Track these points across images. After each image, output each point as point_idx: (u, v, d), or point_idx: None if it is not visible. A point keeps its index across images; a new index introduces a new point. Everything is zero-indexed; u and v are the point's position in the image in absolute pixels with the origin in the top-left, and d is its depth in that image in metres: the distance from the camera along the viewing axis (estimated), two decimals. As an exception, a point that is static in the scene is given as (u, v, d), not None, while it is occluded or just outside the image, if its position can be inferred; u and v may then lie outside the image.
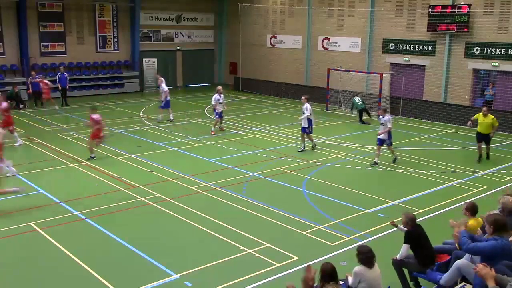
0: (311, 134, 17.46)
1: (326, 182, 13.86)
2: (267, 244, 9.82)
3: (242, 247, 9.70)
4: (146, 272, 8.81)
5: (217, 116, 19.77)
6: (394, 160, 15.79)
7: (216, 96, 19.54)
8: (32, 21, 29.07)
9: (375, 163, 15.47)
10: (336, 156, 16.71)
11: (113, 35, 32.31)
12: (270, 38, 32.27)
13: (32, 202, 12.10)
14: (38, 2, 29.25)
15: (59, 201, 12.14)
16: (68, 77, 26.98)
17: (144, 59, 32.93)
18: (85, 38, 31.24)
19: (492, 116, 15.97)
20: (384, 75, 24.34)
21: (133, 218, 11.35)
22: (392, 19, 25.42)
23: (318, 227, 10.73)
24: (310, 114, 17.03)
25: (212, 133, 19.45)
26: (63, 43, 30.51)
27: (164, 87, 22.37)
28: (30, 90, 26.10)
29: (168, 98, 22.39)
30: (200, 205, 12.00)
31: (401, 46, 25.15)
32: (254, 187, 13.51)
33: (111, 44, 32.31)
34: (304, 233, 10.47)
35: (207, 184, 13.54)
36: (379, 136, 15.49)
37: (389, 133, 15.38)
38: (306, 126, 16.98)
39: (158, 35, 34.13)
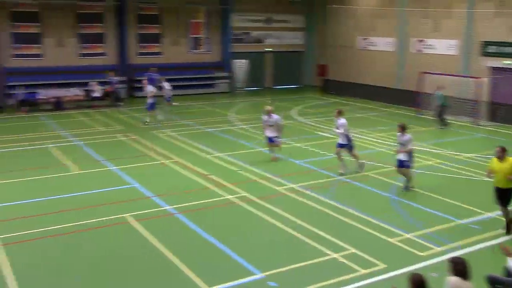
0: (353, 150, 15.03)
1: (415, 189, 13.39)
2: (352, 250, 9.65)
3: (326, 251, 9.61)
4: (232, 269, 8.98)
5: (268, 141, 16.24)
6: (406, 188, 13.32)
7: (264, 117, 16.16)
8: (131, 23, 30.63)
9: (406, 187, 13.34)
10: (428, 162, 16.08)
11: (205, 37, 33.25)
12: (360, 40, 31.72)
13: (126, 195, 12.75)
14: (138, 6, 30.78)
15: (151, 195, 12.69)
16: (158, 78, 27.95)
17: (235, 60, 33.57)
18: (179, 40, 32.42)
19: None
20: (482, 79, 23.08)
21: (220, 216, 11.61)
22: (492, 20, 24.05)
23: (406, 235, 10.39)
24: (344, 131, 14.55)
25: (273, 159, 16.17)
26: (159, 45, 31.88)
27: (150, 88, 22.27)
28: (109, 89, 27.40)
29: (153, 101, 22.14)
30: (285, 206, 12.04)
31: (503, 49, 23.71)
32: (341, 191, 13.35)
33: (203, 45, 33.28)
34: (392, 240, 10.18)
35: (293, 186, 13.56)
36: (399, 158, 13.16)
37: (409, 154, 13.15)
38: (345, 142, 14.62)
39: (248, 36, 34.70)
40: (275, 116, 15.78)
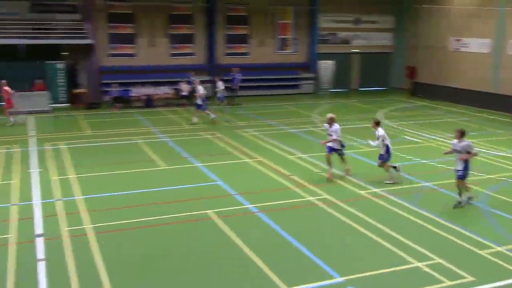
0: (387, 162, 13.93)
1: (510, 199, 12.61)
2: (438, 259, 9.26)
3: (409, 259, 9.30)
4: (311, 270, 8.93)
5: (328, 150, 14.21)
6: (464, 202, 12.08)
7: (325, 125, 14.60)
8: (220, 24, 31.35)
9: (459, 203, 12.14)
10: (523, 172, 15.11)
11: (292, 38, 33.32)
12: (453, 41, 30.35)
13: (210, 192, 13.07)
14: (226, 6, 31.44)
15: (234, 193, 12.91)
16: (241, 78, 28.36)
17: (320, 61, 33.36)
18: (265, 40, 32.73)
19: None
20: None
21: (301, 217, 11.59)
22: None
23: (498, 248, 9.81)
24: (383, 141, 13.61)
25: (329, 177, 14.16)
26: (246, 45, 32.38)
27: (201, 89, 22.34)
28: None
29: (201, 102, 22.24)
30: (367, 210, 11.79)
31: None
32: (427, 197, 12.85)
33: (289, 46, 33.37)
34: (481, 252, 9.65)
35: (376, 190, 13.25)
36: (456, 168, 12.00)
37: (466, 163, 11.83)
38: (383, 153, 13.72)
39: (335, 37, 34.35)
40: (336, 126, 14.15)
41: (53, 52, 27.81)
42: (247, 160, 16.32)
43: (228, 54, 31.98)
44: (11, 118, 21.84)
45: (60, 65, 27.21)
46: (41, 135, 19.67)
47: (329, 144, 13.95)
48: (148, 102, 27.06)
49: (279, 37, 33.07)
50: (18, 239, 9.96)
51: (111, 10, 29.27)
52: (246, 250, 9.63)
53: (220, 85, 25.22)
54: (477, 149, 12.66)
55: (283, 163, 15.81)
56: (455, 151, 12.03)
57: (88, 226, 10.67)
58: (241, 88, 30.37)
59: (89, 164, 15.54)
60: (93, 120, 23.38)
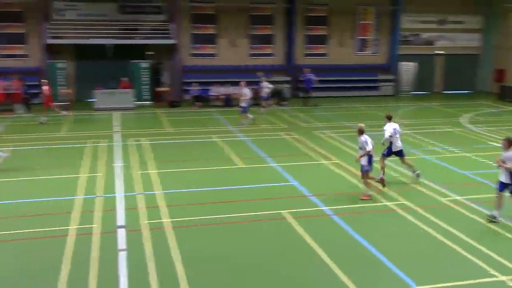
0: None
1: None
2: (525, 274, 8.72)
3: (492, 272, 8.82)
4: (387, 278, 8.70)
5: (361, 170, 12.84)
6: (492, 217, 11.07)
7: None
8: (299, 25, 31.33)
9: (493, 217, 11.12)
10: None
11: (373, 38, 32.67)
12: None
13: (285, 192, 13.08)
14: (306, 8, 31.37)
15: (309, 194, 12.85)
16: (313, 78, 28.08)
17: (401, 63, 32.47)
18: (345, 41, 32.32)
19: None
20: None
21: (378, 222, 11.32)
22: None
23: None
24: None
25: (364, 197, 12.60)
26: (325, 46, 32.15)
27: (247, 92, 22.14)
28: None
29: (247, 104, 21.99)
30: (448, 218, 11.29)
31: None
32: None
33: (369, 47, 32.74)
34: None
35: (458, 198, 12.68)
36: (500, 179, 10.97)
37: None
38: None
39: (417, 38, 33.28)
40: (363, 137, 12.52)
41: (139, 51, 29.01)
42: (323, 161, 16.19)
43: (307, 55, 31.90)
44: (43, 118, 22.18)
45: (144, 64, 28.31)
46: (125, 131, 20.58)
47: (361, 161, 12.42)
48: (227, 101, 27.53)
49: (359, 37, 32.53)
50: (101, 229, 10.47)
51: (194, 11, 30.07)
52: (320, 252, 9.54)
53: (266, 85, 25.18)
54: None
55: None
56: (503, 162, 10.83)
57: (166, 220, 11.02)
58: (320, 89, 30.21)
59: (169, 160, 16.06)
60: (174, 117, 24.14)
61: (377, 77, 32.51)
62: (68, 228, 10.46)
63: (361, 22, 32.36)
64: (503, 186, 10.92)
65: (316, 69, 31.44)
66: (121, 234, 10.22)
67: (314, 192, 13.01)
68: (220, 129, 21.37)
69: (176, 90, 29.56)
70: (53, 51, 28.28)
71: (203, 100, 27.78)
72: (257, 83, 28.43)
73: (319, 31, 31.97)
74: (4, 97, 25.33)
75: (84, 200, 12.25)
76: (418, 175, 13.94)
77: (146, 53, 29.27)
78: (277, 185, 13.71)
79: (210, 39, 30.57)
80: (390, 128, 13.76)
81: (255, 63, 31.12)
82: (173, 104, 27.41)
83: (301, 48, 31.72)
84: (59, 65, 27.50)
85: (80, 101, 27.69)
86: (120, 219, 11.07)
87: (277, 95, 28.24)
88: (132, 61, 28.18)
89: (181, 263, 9.04)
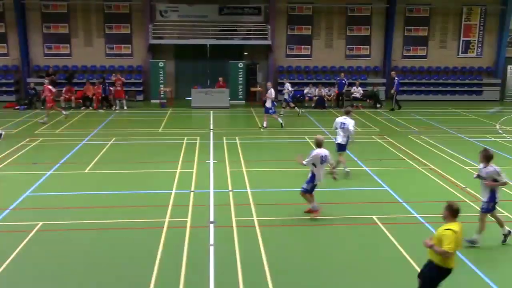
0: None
1: None
2: None
3: None
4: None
5: None
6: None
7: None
8: (398, 26, 30.42)
9: None
10: None
11: (478, 40, 30.97)
12: None
13: (377, 197, 12.73)
14: (407, 8, 30.41)
15: (401, 201, 12.41)
16: (399, 81, 26.99)
17: (509, 66, 30.49)
18: (447, 42, 30.96)
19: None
20: None
21: (473, 233, 10.68)
22: None
23: None
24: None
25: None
26: (425, 47, 30.99)
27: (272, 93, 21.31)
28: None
29: (271, 105, 21.25)
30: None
31: None
32: None
33: (474, 49, 31.09)
34: None
35: None
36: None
37: (491, 194, 9.77)
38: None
39: (528, 40, 31.13)
40: (315, 152, 11.05)
41: (235, 52, 29.66)
42: (418, 167, 15.57)
43: (405, 57, 30.94)
44: (45, 118, 22.19)
45: (241, 64, 28.87)
46: (219, 129, 21.09)
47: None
48: (320, 103, 27.34)
49: (463, 39, 30.96)
50: (193, 224, 10.80)
51: (291, 12, 30.20)
52: (411, 261, 9.18)
53: (288, 86, 24.64)
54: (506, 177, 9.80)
55: (457, 174, 14.75)
56: (479, 177, 9.93)
57: (254, 218, 11.13)
58: (417, 92, 29.24)
59: (260, 159, 16.23)
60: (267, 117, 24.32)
61: (481, 81, 30.79)
62: (163, 221, 10.89)
63: (465, 22, 30.77)
64: (489, 206, 9.85)
65: (415, 72, 30.61)
66: (211, 229, 10.47)
67: (407, 198, 12.55)
68: (313, 130, 21.25)
69: (270, 90, 29.86)
70: (155, 50, 29.71)
71: (296, 101, 27.81)
72: (352, 84, 28.05)
73: (419, 32, 30.84)
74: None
75: (178, 194, 12.70)
76: (348, 173, 14.23)
77: (243, 53, 29.86)
78: (368, 189, 13.39)
79: (305, 40, 30.56)
80: (339, 121, 14.31)
81: (351, 65, 30.70)
82: (266, 104, 27.67)
83: (400, 49, 30.79)
84: (160, 64, 28.80)
85: (178, 99, 28.86)
86: (211, 214, 11.34)
87: (372, 98, 27.67)
88: (230, 61, 28.83)
89: (267, 261, 9.09)
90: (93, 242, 9.92)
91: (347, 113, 14.45)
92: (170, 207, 11.74)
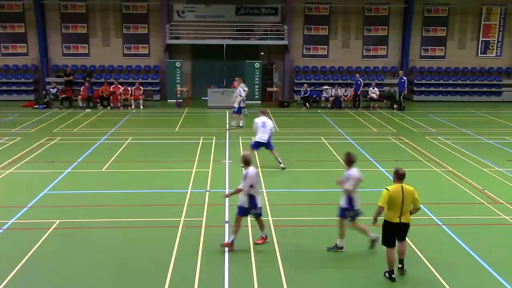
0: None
1: None
2: None
3: None
4: (498, 296, 8.09)
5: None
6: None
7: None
8: (416, 26, 30.17)
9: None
10: None
11: (497, 40, 30.58)
12: None
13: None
14: (425, 8, 30.14)
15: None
16: (406, 81, 26.68)
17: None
18: (466, 43, 30.62)
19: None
20: None
21: (492, 235, 10.53)
22: None
23: None
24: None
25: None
26: (443, 48, 30.70)
27: (239, 91, 21.19)
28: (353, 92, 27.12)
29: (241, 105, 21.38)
30: None
31: None
32: None
33: (493, 49, 30.70)
34: None
35: None
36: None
37: (349, 199, 9.48)
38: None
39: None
40: (249, 170, 9.53)
41: (252, 52, 29.68)
42: (435, 168, 15.42)
43: (423, 57, 30.67)
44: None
45: (257, 64, 28.88)
46: (235, 129, 21.11)
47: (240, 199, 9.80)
48: (336, 103, 27.24)
49: (482, 39, 30.58)
50: (208, 223, 10.82)
51: (308, 12, 30.14)
52: (427, 263, 9.09)
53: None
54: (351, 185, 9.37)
55: (476, 176, 14.57)
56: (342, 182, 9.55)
57: (270, 218, 11.12)
58: (435, 93, 28.96)
59: (273, 159, 16.17)
60: (283, 118, 24.33)
61: (500, 81, 30.40)
62: (178, 220, 10.94)
63: (485, 22, 30.40)
64: (343, 212, 9.53)
65: (432, 72, 30.35)
66: (226, 229, 10.49)
67: (424, 200, 12.32)
68: (329, 130, 21.19)
69: (286, 90, 29.87)
70: (171, 50, 29.86)
71: (312, 101, 27.75)
72: (368, 85, 27.88)
73: (438, 32, 30.55)
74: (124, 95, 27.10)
75: (194, 194, 12.74)
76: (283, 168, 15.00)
77: (259, 53, 29.87)
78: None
79: (322, 40, 30.46)
80: (259, 121, 15.13)
81: (368, 65, 30.54)
82: (282, 104, 27.67)
83: (418, 49, 30.55)
84: (177, 64, 28.94)
85: (194, 99, 28.98)
86: (226, 214, 11.36)
87: (389, 98, 27.48)
88: (246, 61, 28.86)
89: (281, 261, 9.08)
90: (108, 240, 10.01)
91: (263, 113, 15.46)
92: (185, 207, 11.79)
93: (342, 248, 9.59)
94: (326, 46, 30.52)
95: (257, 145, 15.28)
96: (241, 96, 21.46)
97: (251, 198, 9.54)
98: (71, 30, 29.88)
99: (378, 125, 22.44)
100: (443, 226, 10.89)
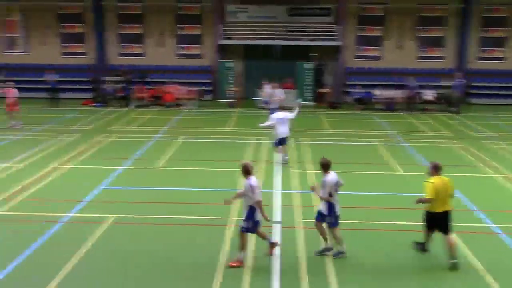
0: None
1: None
2: None
3: None
4: None
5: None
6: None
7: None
8: (474, 26, 29.26)
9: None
10: None
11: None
12: None
13: (448, 204, 12.26)
14: (484, 8, 29.22)
15: (474, 209, 11.91)
16: (464, 84, 25.81)
17: None
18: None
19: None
20: None
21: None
22: None
23: None
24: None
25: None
26: (503, 49, 29.72)
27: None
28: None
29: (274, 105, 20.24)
30: None
31: None
32: None
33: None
34: None
35: None
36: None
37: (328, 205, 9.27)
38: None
39: None
40: (250, 181, 8.81)
41: (303, 52, 29.58)
42: (493, 175, 14.88)
43: (481, 59, 29.69)
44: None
45: (308, 65, 28.75)
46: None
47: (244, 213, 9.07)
48: (389, 105, 26.76)
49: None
50: (259, 223, 10.85)
51: (362, 13, 29.77)
52: (482, 272, 8.78)
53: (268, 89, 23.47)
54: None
55: (537, 183, 13.99)
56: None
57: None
58: (494, 96, 28.04)
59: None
60: (334, 119, 24.14)
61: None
62: (229, 219, 11.03)
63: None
64: (321, 216, 9.25)
65: (491, 74, 29.37)
66: (277, 229, 10.49)
67: (481, 207, 12.02)
68: (381, 133, 20.85)
69: (338, 91, 29.60)
70: (224, 51, 30.17)
71: (365, 102, 27.37)
72: (423, 87, 27.25)
73: (497, 33, 29.50)
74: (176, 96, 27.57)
75: (244, 193, 12.81)
76: (286, 161, 15.45)
77: (310, 54, 29.74)
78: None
79: (375, 41, 30.02)
80: (275, 117, 15.46)
81: (423, 66, 29.84)
82: (333, 106, 27.44)
83: (475, 51, 29.62)
84: (229, 64, 29.20)
85: (246, 99, 29.16)
86: (277, 214, 11.36)
87: (445, 101, 26.76)
88: (298, 62, 28.79)
89: (332, 263, 8.99)
90: (160, 236, 10.19)
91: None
92: (235, 206, 11.86)
93: (330, 249, 9.31)
94: (379, 47, 30.03)
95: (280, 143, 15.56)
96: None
97: (250, 210, 8.79)
98: (127, 31, 30.70)
99: (434, 129, 21.89)
100: (501, 234, 10.50)
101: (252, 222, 8.79)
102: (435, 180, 8.93)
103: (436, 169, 9.11)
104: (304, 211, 11.57)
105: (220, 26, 29.40)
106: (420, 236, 9.76)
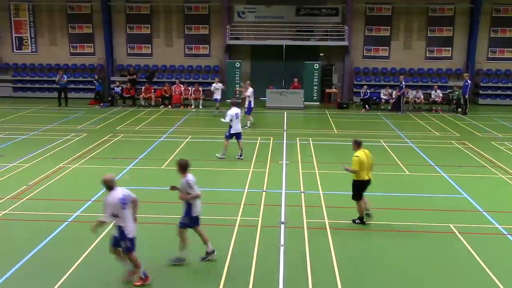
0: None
1: None
2: None
3: None
4: None
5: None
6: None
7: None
8: (483, 26, 29.06)
9: None
10: None
11: None
12: None
13: (455, 205, 12.21)
14: (493, 7, 29.00)
15: (482, 210, 11.83)
16: (470, 85, 25.61)
17: None
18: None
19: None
20: None
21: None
22: None
23: None
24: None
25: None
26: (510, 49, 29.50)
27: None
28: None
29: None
30: None
31: None
32: None
33: None
34: None
35: None
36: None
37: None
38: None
39: None
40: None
41: (311, 52, 29.52)
42: (501, 175, 14.77)
43: (491, 59, 29.50)
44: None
45: (316, 65, 28.70)
46: (292, 130, 21.08)
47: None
48: (397, 106, 26.64)
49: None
50: (264, 223, 10.85)
51: (370, 13, 29.67)
52: (490, 273, 8.72)
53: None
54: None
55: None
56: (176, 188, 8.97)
57: (326, 221, 11.02)
58: (503, 96, 27.86)
59: (332, 161, 16.01)
60: (341, 119, 24.07)
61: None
62: (235, 219, 11.04)
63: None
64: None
65: (500, 75, 29.22)
66: (282, 230, 10.48)
67: (489, 208, 11.94)
68: (388, 133, 20.77)
69: (346, 92, 29.53)
70: (231, 50, 30.18)
71: (372, 103, 27.29)
72: (431, 87, 27.12)
73: (507, 33, 29.29)
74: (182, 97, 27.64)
75: (250, 193, 12.82)
76: (240, 156, 16.08)
77: (318, 54, 29.69)
78: (446, 197, 12.87)
79: (383, 41, 29.90)
80: (232, 112, 15.83)
81: (430, 66, 29.70)
82: (341, 106, 27.37)
83: (485, 51, 29.42)
84: (236, 64, 29.21)
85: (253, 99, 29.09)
86: (282, 215, 11.35)
87: (453, 101, 26.61)
88: (305, 62, 28.75)
89: (336, 264, 8.97)
90: (168, 236, 10.19)
91: (233, 104, 16.35)
92: (242, 206, 11.88)
93: (184, 259, 8.95)
94: (387, 47, 29.93)
95: (231, 136, 16.15)
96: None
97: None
98: (135, 31, 30.80)
99: (441, 129, 21.77)
100: (508, 236, 10.42)
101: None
102: (359, 154, 10.44)
103: (358, 145, 10.58)
104: (309, 212, 11.54)
105: (227, 26, 29.42)
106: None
